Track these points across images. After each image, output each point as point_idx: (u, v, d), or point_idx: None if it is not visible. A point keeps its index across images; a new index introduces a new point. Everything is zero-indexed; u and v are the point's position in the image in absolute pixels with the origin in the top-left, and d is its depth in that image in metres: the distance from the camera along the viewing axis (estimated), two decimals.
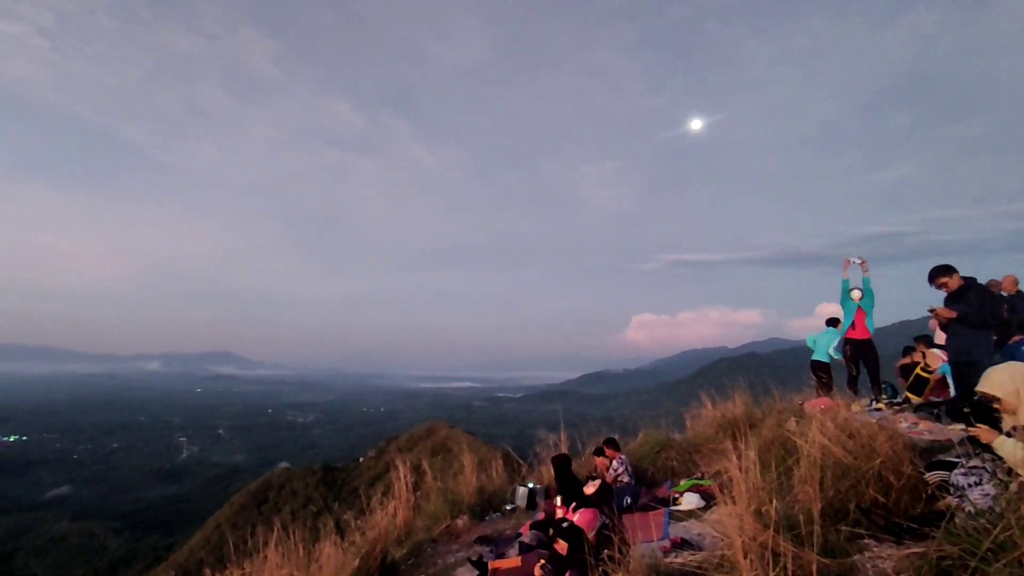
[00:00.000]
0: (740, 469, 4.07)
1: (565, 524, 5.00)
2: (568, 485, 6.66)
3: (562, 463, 7.05)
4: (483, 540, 6.87)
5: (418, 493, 8.74)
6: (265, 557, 5.68)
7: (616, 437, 8.82)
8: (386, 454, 52.24)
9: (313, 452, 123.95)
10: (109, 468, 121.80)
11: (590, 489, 6.90)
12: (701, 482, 6.98)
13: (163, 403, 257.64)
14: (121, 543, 65.36)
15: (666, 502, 6.59)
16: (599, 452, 8.47)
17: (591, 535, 4.98)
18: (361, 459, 55.26)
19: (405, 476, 8.35)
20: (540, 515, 7.00)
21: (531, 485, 8.44)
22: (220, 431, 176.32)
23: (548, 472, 8.65)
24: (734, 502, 3.84)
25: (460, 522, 7.74)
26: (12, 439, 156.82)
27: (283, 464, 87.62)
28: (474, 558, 5.88)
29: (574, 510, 5.80)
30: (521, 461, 9.73)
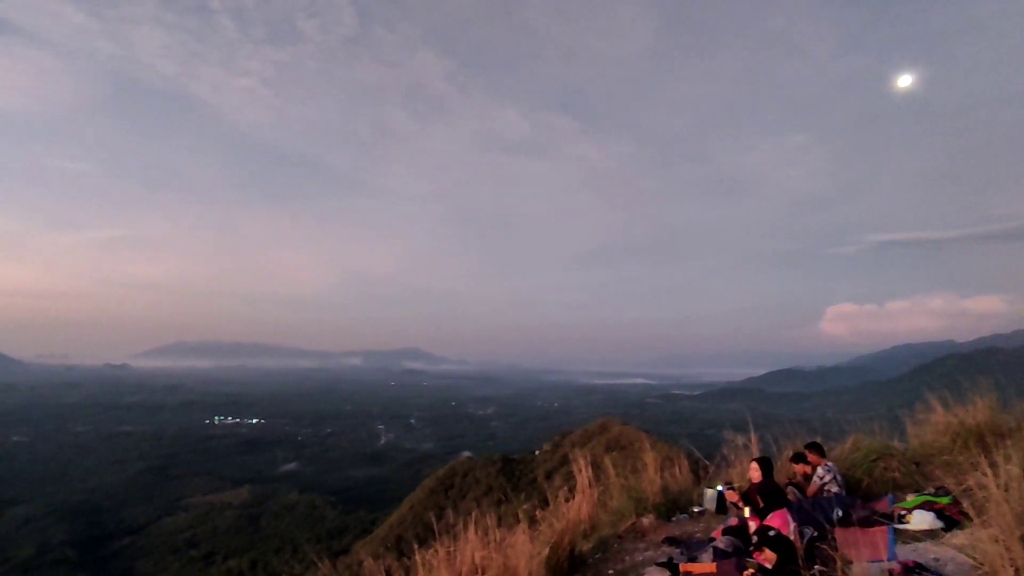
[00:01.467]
0: (999, 486, 3.35)
1: (772, 533, 4.56)
2: (770, 491, 6.11)
3: (767, 466, 6.50)
4: (672, 541, 6.62)
5: (601, 488, 8.68)
6: (466, 538, 6.06)
7: (818, 441, 7.88)
8: (561, 448, 53.24)
9: (492, 443, 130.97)
10: (325, 450, 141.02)
11: (789, 497, 6.28)
12: (936, 499, 5.90)
13: (365, 395, 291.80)
14: (336, 515, 75.29)
15: (888, 518, 5.72)
16: (799, 458, 7.62)
17: (796, 543, 4.50)
18: (537, 452, 57.05)
19: (586, 471, 8.35)
20: (733, 520, 6.53)
21: (720, 488, 7.92)
22: (412, 421, 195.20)
23: (738, 475, 8.07)
24: (991, 524, 3.17)
25: (646, 521, 7.55)
26: (255, 422, 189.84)
27: (466, 453, 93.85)
28: (664, 559, 5.68)
29: (762, 515, 5.33)
30: (707, 462, 9.19)
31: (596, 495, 8.37)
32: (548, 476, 46.94)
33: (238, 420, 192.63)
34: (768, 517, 4.98)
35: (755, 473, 6.49)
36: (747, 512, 6.01)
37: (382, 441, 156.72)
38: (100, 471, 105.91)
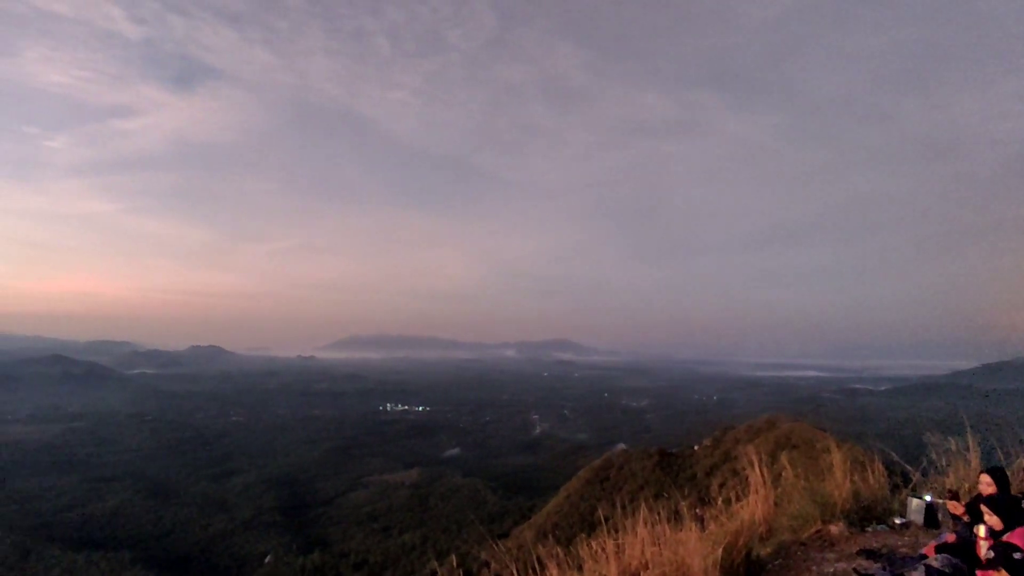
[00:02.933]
0: None
1: (1018, 555, 3.75)
2: (1009, 505, 5.08)
3: (1002, 478, 5.45)
4: (869, 554, 5.82)
5: (777, 489, 7.94)
6: (632, 532, 5.90)
7: None
8: (723, 444, 50.30)
9: (648, 436, 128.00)
10: (485, 437, 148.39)
11: None
12: None
13: (519, 385, 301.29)
14: (496, 499, 78.85)
15: None
16: None
17: None
18: (696, 447, 54.47)
19: (759, 469, 7.67)
20: (948, 536, 5.55)
21: (928, 498, 6.81)
22: (565, 411, 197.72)
23: (953, 484, 6.89)
24: None
25: (834, 528, 6.73)
26: (421, 409, 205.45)
27: (620, 445, 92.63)
28: (862, 571, 5.00)
29: (996, 533, 4.42)
30: (908, 467, 7.96)
31: (772, 496, 7.67)
32: (709, 473, 44.64)
33: (407, 407, 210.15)
34: (1007, 535, 4.12)
35: (987, 487, 5.44)
36: (982, 531, 5.05)
37: (537, 430, 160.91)
38: (297, 449, 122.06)
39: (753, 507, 7.17)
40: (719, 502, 7.50)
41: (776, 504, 7.67)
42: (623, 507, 6.43)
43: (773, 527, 7.29)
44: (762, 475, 7.59)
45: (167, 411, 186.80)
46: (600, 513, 7.95)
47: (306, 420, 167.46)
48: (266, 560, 61.74)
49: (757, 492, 7.50)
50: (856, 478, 7.79)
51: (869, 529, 6.82)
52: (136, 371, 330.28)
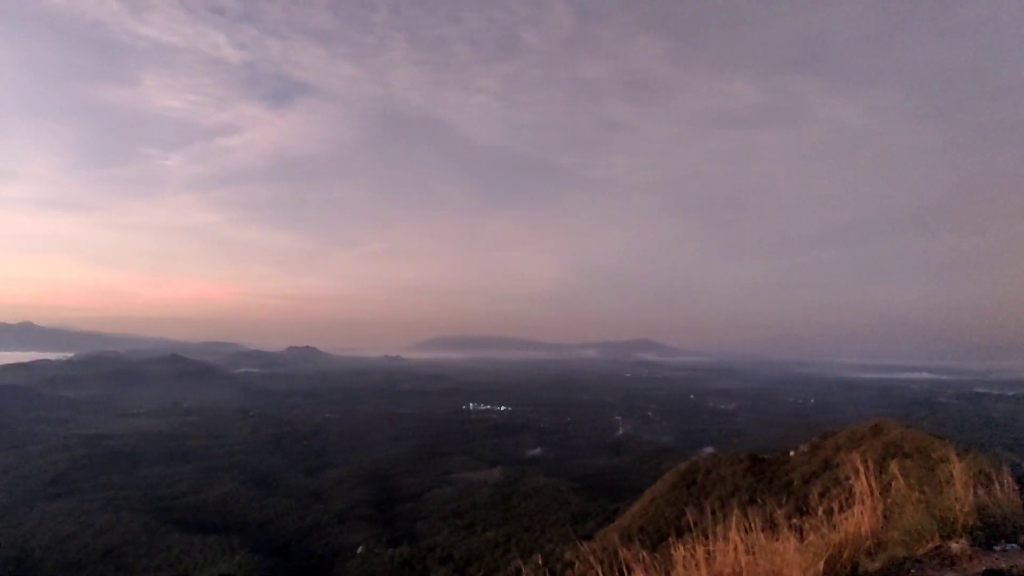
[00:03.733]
0: None
1: None
2: None
3: None
4: (996, 575, 5.21)
5: (887, 500, 7.28)
6: (723, 538, 5.65)
7: None
8: (822, 450, 47.16)
9: (738, 440, 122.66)
10: (566, 437, 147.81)
11: None
12: None
13: (600, 386, 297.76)
14: (579, 500, 78.27)
15: None
16: None
17: None
18: (792, 452, 51.37)
19: (866, 478, 7.06)
20: None
21: None
22: (648, 413, 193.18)
23: None
24: None
25: (955, 545, 6.07)
26: (503, 408, 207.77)
27: (708, 449, 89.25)
28: None
29: None
30: None
31: (880, 508, 7.04)
32: (807, 481, 41.97)
33: (489, 407, 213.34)
34: None
35: None
36: None
37: (620, 432, 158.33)
38: (385, 445, 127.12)
39: (858, 518, 6.62)
40: (819, 512, 7.00)
41: (885, 516, 7.03)
42: (712, 513, 6.17)
43: (881, 541, 6.68)
44: (869, 484, 6.98)
45: (268, 407, 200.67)
46: (689, 518, 7.66)
47: (393, 418, 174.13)
48: (358, 551, 64.70)
49: (863, 502, 6.91)
50: (981, 491, 7.00)
51: (997, 548, 6.10)
52: (241, 370, 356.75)
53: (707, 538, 5.74)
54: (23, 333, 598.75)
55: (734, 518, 5.72)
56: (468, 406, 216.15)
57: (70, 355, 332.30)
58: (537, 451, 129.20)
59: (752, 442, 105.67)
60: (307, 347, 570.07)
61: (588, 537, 51.99)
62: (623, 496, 75.36)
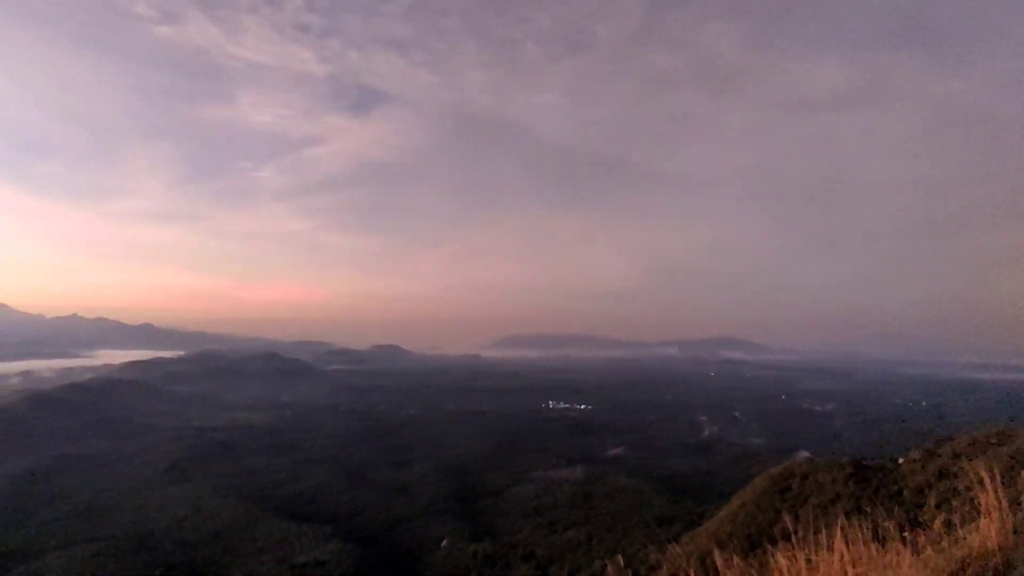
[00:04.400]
0: None
1: None
2: None
3: None
4: None
5: (1017, 514, 6.20)
6: (827, 548, 5.03)
7: None
8: (936, 457, 42.85)
9: (837, 444, 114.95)
10: (648, 437, 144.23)
11: None
12: None
13: (683, 385, 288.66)
14: (663, 502, 75.94)
15: None
16: None
17: None
18: (901, 459, 47.07)
19: (994, 490, 6.03)
20: None
21: None
22: (736, 414, 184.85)
23: None
24: None
25: None
26: (582, 407, 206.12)
27: (803, 453, 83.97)
28: None
29: None
30: None
31: (1010, 522, 6.00)
32: (920, 491, 38.29)
33: (568, 405, 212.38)
34: None
35: None
36: None
37: (705, 433, 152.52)
38: (466, 441, 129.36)
39: (985, 533, 5.65)
40: (937, 525, 6.10)
41: (1015, 532, 5.99)
42: (810, 521, 5.51)
43: (1011, 559, 5.68)
44: (996, 496, 5.96)
45: (356, 403, 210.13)
46: (787, 525, 6.93)
47: (473, 415, 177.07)
48: (442, 544, 66.11)
49: (989, 516, 5.90)
50: None
51: None
52: (331, 367, 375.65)
53: (807, 547, 5.24)
54: (143, 333, 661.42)
55: (838, 527, 5.19)
56: (547, 404, 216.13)
57: (182, 353, 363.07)
58: (618, 451, 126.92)
59: (853, 447, 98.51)
60: (391, 345, 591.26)
61: (674, 540, 50.25)
62: (710, 499, 72.45)
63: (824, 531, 5.32)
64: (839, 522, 5.33)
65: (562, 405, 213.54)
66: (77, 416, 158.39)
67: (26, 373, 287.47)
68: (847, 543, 5.09)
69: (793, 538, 5.51)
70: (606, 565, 58.24)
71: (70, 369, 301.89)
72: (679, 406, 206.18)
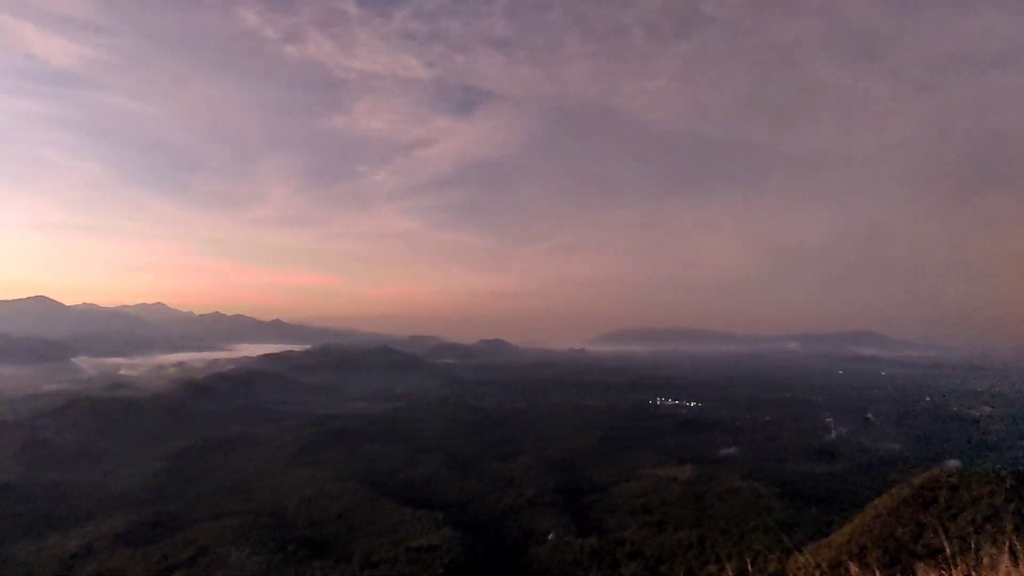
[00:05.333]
0: None
1: None
2: None
3: None
4: None
5: None
6: (994, 568, 4.07)
7: None
8: None
9: (993, 454, 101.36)
10: (765, 438, 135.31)
11: None
12: None
13: (805, 382, 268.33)
14: (783, 508, 70.69)
15: None
16: None
17: None
18: None
19: None
20: None
21: None
22: (868, 415, 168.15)
23: None
24: None
25: None
26: (692, 404, 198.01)
27: (952, 462, 74.97)
28: None
29: None
30: None
31: None
32: None
33: (677, 402, 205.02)
34: None
35: None
36: None
37: (832, 435, 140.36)
38: (571, 436, 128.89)
39: None
40: None
41: None
42: (963, 538, 4.48)
43: None
44: None
45: (464, 396, 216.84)
46: (934, 540, 5.79)
47: (578, 410, 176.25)
48: (549, 537, 66.26)
49: None
50: None
51: None
52: (441, 361, 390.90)
53: (962, 566, 4.36)
54: (274, 329, 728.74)
55: (1007, 548, 4.34)
56: (654, 400, 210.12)
57: (308, 347, 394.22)
58: (731, 451, 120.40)
59: (1013, 457, 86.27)
60: (497, 340, 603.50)
61: (798, 550, 46.73)
62: (838, 508, 66.75)
63: (985, 550, 4.44)
64: (1007, 540, 4.43)
65: (670, 402, 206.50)
66: (222, 402, 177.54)
67: (180, 364, 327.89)
68: (1016, 561, 4.23)
69: (943, 555, 4.60)
70: (723, 568, 55.38)
71: (215, 361, 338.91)
72: (800, 405, 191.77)
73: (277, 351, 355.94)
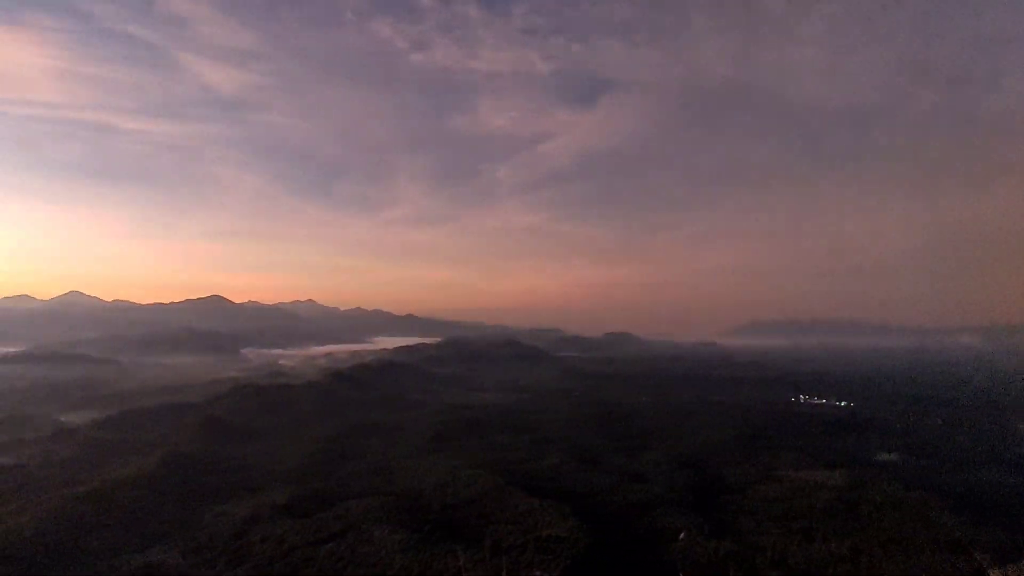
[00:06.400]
0: None
1: None
2: None
3: None
4: None
5: None
6: None
7: None
8: None
9: None
10: (936, 442, 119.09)
11: None
12: None
13: (986, 382, 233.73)
14: (959, 523, 61.74)
15: None
16: None
17: None
18: None
19: None
20: None
21: None
22: None
23: None
24: None
25: None
26: (841, 403, 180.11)
27: None
28: None
29: None
30: None
31: None
32: None
33: (824, 400, 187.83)
34: None
35: None
36: None
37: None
38: (701, 433, 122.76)
39: None
40: None
41: None
42: None
43: None
44: None
45: (588, 389, 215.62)
46: None
47: (709, 405, 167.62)
48: (680, 537, 63.58)
49: None
50: None
51: None
52: (564, 354, 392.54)
53: None
54: (407, 323, 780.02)
55: None
56: (796, 398, 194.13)
57: (439, 340, 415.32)
58: (891, 456, 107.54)
59: None
60: (622, 332, 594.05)
61: (979, 573, 40.62)
62: None
63: None
64: None
65: (816, 400, 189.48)
66: (364, 391, 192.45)
67: (329, 355, 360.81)
68: None
69: None
70: None
71: (358, 352, 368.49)
72: (980, 406, 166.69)
73: (411, 343, 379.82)
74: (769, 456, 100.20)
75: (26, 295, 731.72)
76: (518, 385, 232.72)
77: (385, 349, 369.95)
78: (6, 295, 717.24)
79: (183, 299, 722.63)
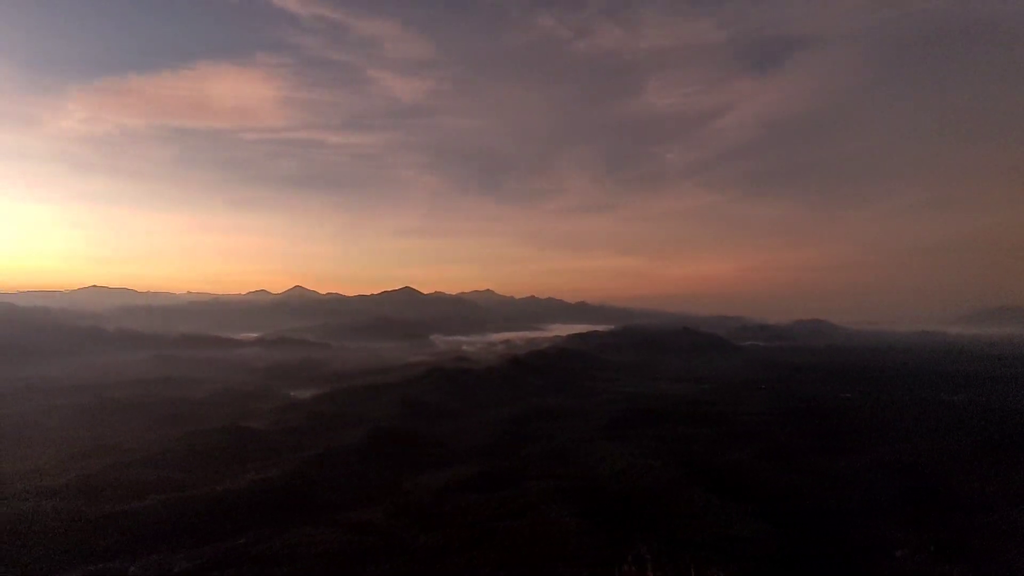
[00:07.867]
0: None
1: None
2: None
3: None
4: None
5: None
6: None
7: None
8: None
9: None
10: None
11: None
12: None
13: None
14: None
15: None
16: None
17: None
18: None
19: None
20: None
21: None
22: None
23: None
24: None
25: None
26: None
27: None
28: None
29: None
30: None
31: None
32: None
33: None
34: None
35: None
36: None
37: None
38: (923, 437, 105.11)
39: None
40: None
41: None
42: None
43: None
44: None
45: (777, 381, 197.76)
46: None
47: (932, 406, 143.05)
48: (896, 554, 55.55)
49: None
50: None
51: None
52: (747, 343, 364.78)
53: None
54: (579, 310, 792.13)
55: None
56: None
57: (611, 327, 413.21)
58: None
59: None
60: (816, 320, 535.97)
61: None
62: None
63: None
64: None
65: None
66: (540, 377, 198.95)
67: (507, 342, 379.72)
68: None
69: None
70: None
71: (533, 339, 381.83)
72: None
73: (584, 331, 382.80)
74: (1021, 474, 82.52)
75: (263, 290, 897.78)
76: (697, 375, 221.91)
77: (559, 336, 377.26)
78: (249, 290, 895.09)
79: (380, 291, 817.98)
